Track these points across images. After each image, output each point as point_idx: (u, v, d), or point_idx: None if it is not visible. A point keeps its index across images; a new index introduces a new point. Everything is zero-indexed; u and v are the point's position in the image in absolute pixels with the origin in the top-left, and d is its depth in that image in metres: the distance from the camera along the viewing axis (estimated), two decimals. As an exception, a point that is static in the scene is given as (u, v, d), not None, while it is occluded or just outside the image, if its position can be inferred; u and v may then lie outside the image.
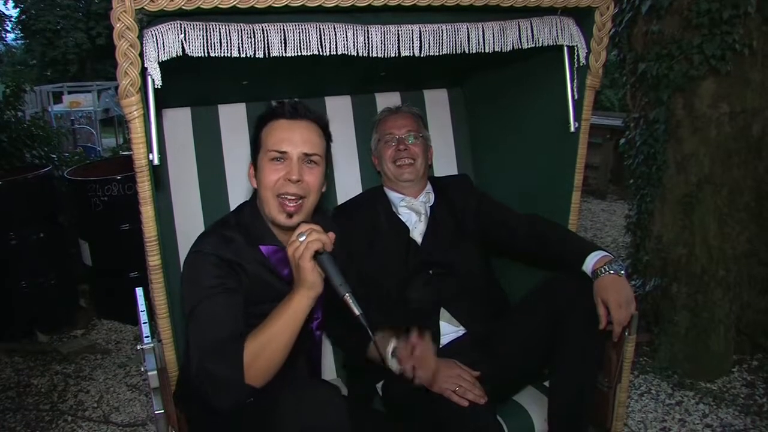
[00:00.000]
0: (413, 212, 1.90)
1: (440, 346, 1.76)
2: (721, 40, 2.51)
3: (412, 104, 2.06)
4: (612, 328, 1.50)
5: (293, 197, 1.41)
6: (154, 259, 1.37)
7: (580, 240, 1.70)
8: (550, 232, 1.74)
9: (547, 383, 1.73)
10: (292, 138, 1.42)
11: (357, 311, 1.26)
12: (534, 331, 1.62)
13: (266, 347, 1.24)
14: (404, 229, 1.87)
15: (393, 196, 1.93)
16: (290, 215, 1.41)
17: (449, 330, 1.79)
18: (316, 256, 1.24)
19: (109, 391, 2.80)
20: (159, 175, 1.77)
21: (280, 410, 1.17)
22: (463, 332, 1.79)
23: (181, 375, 1.52)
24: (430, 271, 1.83)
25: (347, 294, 1.26)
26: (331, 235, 1.28)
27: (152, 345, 1.32)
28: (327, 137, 1.50)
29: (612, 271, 1.51)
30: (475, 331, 1.78)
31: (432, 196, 1.94)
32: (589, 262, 1.56)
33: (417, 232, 1.88)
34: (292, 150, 1.42)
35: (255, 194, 1.51)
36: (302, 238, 1.25)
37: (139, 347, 1.33)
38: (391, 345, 1.51)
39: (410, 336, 1.44)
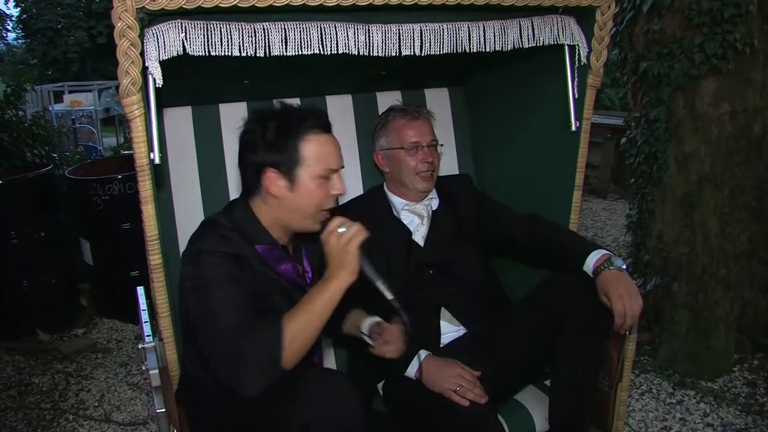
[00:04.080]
0: (415, 215, 1.89)
1: (441, 346, 1.76)
2: (722, 39, 2.50)
3: (413, 103, 2.05)
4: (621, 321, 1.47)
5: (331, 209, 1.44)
6: (155, 258, 1.37)
7: (580, 240, 1.70)
8: (551, 232, 1.74)
9: (548, 382, 1.73)
10: (336, 153, 1.44)
11: (390, 296, 1.34)
12: (535, 330, 1.62)
13: (306, 328, 1.27)
14: (406, 231, 1.87)
15: (396, 200, 1.92)
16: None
17: (450, 330, 1.79)
18: None
19: (111, 390, 2.81)
20: (160, 174, 1.77)
21: (298, 397, 1.18)
22: (464, 332, 1.79)
23: (182, 374, 1.53)
24: (431, 271, 1.83)
25: (380, 281, 1.34)
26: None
27: (153, 344, 1.32)
28: None
29: (612, 267, 1.51)
30: (476, 330, 1.78)
31: (436, 200, 1.93)
32: (590, 262, 1.56)
33: (419, 235, 1.87)
34: (338, 166, 1.43)
35: (245, 195, 1.48)
36: (342, 229, 1.31)
37: (140, 346, 1.34)
38: (366, 323, 1.60)
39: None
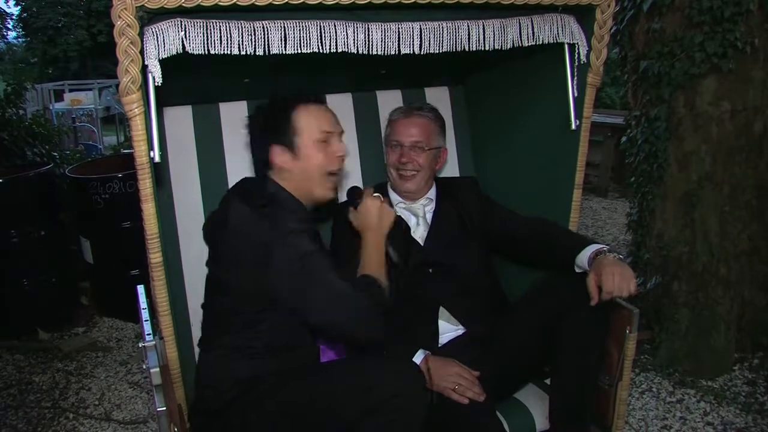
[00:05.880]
0: (411, 214, 1.89)
1: (439, 345, 1.76)
2: (722, 38, 2.50)
3: (414, 102, 2.05)
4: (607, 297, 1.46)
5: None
6: (155, 257, 1.37)
7: (581, 238, 1.69)
8: (553, 232, 1.73)
9: (548, 381, 1.73)
10: (329, 118, 1.62)
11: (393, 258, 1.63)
12: (535, 329, 1.62)
13: (380, 274, 1.48)
14: (404, 227, 1.86)
15: (394, 196, 1.93)
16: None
17: (448, 329, 1.79)
18: None
19: (111, 389, 2.81)
20: (160, 172, 1.77)
21: (383, 375, 1.31)
22: (463, 331, 1.79)
23: (210, 373, 1.53)
24: (430, 270, 1.82)
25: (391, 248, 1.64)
26: None
27: (154, 342, 1.32)
28: None
29: (610, 254, 1.50)
30: (474, 329, 1.78)
31: (433, 202, 1.92)
32: (585, 253, 1.55)
33: (417, 234, 1.87)
34: (333, 129, 1.61)
35: (268, 176, 1.58)
36: (376, 194, 1.62)
37: (140, 345, 1.33)
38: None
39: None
